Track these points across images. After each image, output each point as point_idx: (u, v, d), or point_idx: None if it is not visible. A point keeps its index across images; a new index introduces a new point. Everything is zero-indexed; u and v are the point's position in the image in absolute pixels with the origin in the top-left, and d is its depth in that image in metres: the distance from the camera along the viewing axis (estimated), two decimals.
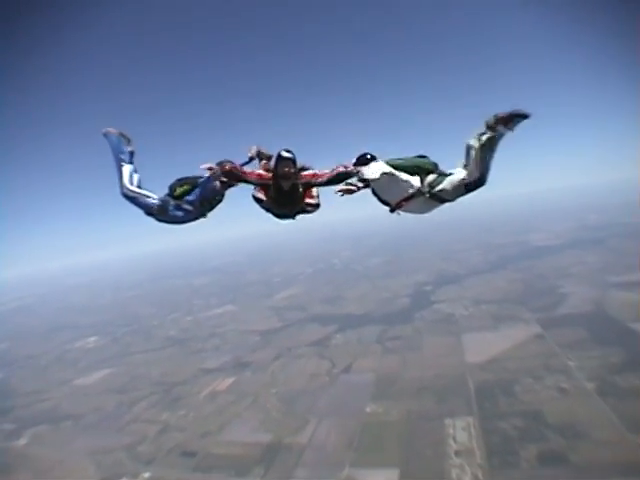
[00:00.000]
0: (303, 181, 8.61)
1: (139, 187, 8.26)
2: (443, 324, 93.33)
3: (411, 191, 7.72)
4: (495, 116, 6.76)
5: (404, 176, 7.66)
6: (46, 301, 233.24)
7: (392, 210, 8.07)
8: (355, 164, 7.95)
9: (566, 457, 44.88)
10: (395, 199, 7.97)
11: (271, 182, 8.60)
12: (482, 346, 75.93)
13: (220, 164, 8.16)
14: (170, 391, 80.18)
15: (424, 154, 8.09)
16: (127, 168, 8.21)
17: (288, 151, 8.47)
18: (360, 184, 7.81)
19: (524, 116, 6.58)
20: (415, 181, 7.75)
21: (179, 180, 8.36)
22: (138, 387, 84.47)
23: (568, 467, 43.46)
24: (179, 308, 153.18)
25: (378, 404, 62.78)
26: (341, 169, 8.28)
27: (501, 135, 6.86)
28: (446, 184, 7.54)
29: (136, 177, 8.35)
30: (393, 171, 7.56)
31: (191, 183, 8.26)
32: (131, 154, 8.52)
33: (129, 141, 8.56)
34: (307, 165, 8.86)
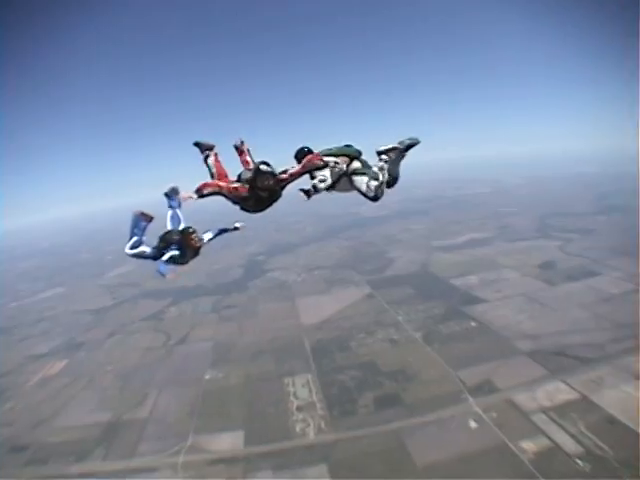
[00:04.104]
0: (282, 184, 9.16)
1: (135, 248, 9.97)
2: (277, 290, 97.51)
3: (339, 172, 9.58)
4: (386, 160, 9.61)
5: (336, 160, 9.55)
6: None
7: (328, 189, 9.69)
8: (295, 157, 9.72)
9: (399, 398, 50.91)
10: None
11: (248, 194, 9.04)
12: (316, 308, 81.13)
13: (197, 190, 8.89)
14: None
15: (350, 144, 10.02)
16: (134, 239, 9.93)
17: (266, 164, 8.92)
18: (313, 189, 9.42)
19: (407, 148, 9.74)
20: (343, 164, 9.62)
21: (161, 236, 9.84)
22: None
23: (402, 406, 49.32)
24: (2, 295, 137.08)
25: (217, 370, 63.82)
26: (313, 160, 9.19)
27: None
28: (358, 181, 9.59)
29: (141, 247, 10.06)
30: (335, 162, 9.50)
31: (167, 240, 9.76)
32: (144, 228, 10.21)
33: (151, 219, 10.19)
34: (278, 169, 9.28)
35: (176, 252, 9.39)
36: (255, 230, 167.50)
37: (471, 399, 48.27)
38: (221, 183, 9.19)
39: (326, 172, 9.40)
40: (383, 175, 9.39)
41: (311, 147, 9.84)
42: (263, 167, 8.88)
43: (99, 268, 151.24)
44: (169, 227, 10.04)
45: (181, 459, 46.07)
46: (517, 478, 37.04)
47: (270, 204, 9.49)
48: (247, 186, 9.10)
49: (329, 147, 9.82)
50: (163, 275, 9.07)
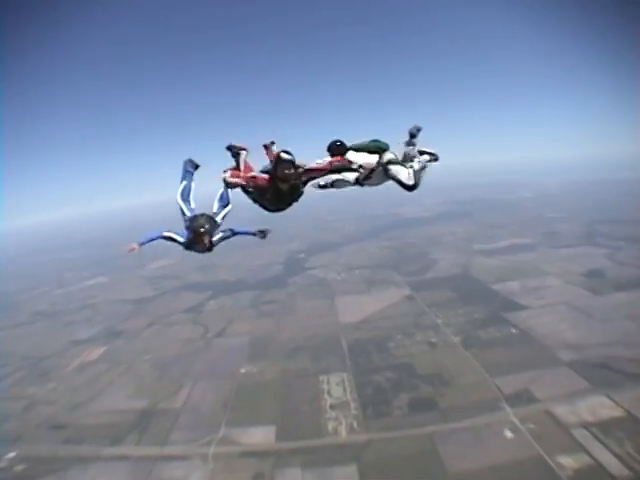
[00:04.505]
0: (304, 179, 8.67)
1: (185, 196, 10.02)
2: (316, 288, 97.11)
3: (373, 165, 9.42)
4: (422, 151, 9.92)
5: (370, 157, 9.47)
6: None
7: (360, 183, 9.58)
8: (328, 150, 9.24)
9: (435, 402, 49.55)
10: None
11: (268, 185, 8.54)
12: (355, 308, 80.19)
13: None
14: (37, 365, 74.92)
15: (377, 139, 9.80)
16: (183, 184, 10.10)
17: (287, 152, 8.40)
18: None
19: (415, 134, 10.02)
20: (374, 159, 9.52)
21: (191, 217, 9.52)
22: (2, 364, 77.36)
23: (437, 411, 47.98)
24: (48, 282, 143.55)
25: (253, 365, 63.87)
26: (335, 162, 8.87)
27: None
28: (395, 170, 9.36)
29: (188, 203, 10.00)
30: (368, 158, 9.40)
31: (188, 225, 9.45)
32: (191, 175, 10.43)
33: (196, 166, 10.46)
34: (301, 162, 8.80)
35: (180, 239, 9.02)
36: (296, 228, 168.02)
37: (508, 408, 46.35)
38: (241, 174, 8.88)
39: (358, 156, 9.27)
40: (420, 164, 9.49)
41: (343, 140, 9.41)
42: (284, 155, 8.35)
43: (141, 260, 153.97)
44: (215, 207, 9.82)
45: (212, 450, 46.22)
46: None
47: (291, 201, 8.98)
48: (267, 176, 8.61)
49: (360, 142, 9.61)
50: (132, 247, 8.75)
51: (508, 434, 42.48)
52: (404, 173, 9.29)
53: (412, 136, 9.90)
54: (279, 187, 8.49)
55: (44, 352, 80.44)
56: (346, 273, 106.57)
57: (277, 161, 8.34)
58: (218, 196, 9.83)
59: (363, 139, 9.77)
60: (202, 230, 8.74)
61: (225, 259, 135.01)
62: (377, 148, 9.53)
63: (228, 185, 9.08)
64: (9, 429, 55.72)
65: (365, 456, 42.47)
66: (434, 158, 9.97)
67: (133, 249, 8.62)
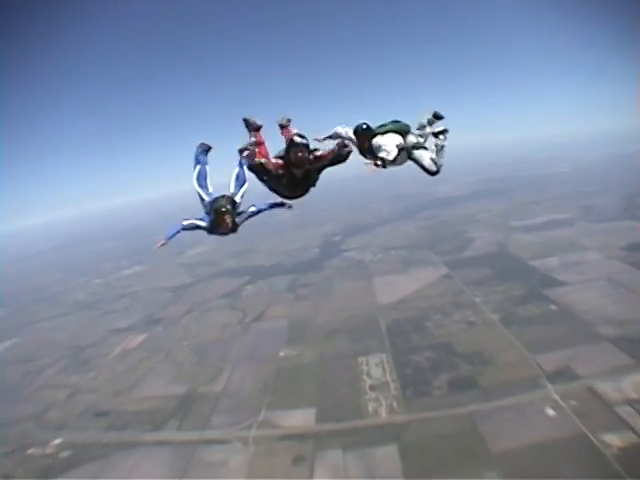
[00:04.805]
0: (316, 166, 8.45)
1: (201, 180, 9.59)
2: (353, 270, 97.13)
3: (399, 147, 8.99)
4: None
5: (396, 138, 9.07)
6: None
7: (383, 165, 8.84)
8: (355, 134, 8.92)
9: (475, 381, 49.02)
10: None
11: (283, 171, 8.35)
12: (392, 288, 79.84)
13: (248, 155, 8.60)
14: (79, 354, 77.39)
15: (398, 119, 9.50)
16: (197, 168, 9.70)
17: (301, 136, 8.21)
18: (381, 161, 8.40)
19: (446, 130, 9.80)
20: (400, 139, 9.19)
21: (211, 201, 9.01)
22: (45, 354, 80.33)
23: (477, 390, 47.49)
24: (87, 272, 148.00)
25: (291, 348, 64.41)
26: (336, 148, 8.53)
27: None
28: (419, 154, 9.27)
29: (206, 188, 9.52)
30: (398, 142, 8.95)
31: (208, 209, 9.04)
32: (204, 157, 10.01)
33: (209, 147, 10.02)
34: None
35: (203, 223, 8.69)
36: (330, 211, 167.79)
37: (549, 385, 45.31)
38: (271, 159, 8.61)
39: (389, 144, 8.80)
40: (438, 147, 9.53)
41: (369, 123, 9.10)
42: (297, 138, 8.15)
43: (178, 247, 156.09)
44: (232, 187, 9.35)
45: (252, 433, 46.75)
46: (599, 476, 33.70)
47: (305, 189, 8.82)
48: (281, 162, 8.44)
49: (382, 123, 9.35)
50: (161, 243, 8.52)
51: (550, 412, 41.57)
52: (427, 159, 9.22)
53: (438, 117, 9.82)
54: (293, 172, 8.34)
55: (85, 341, 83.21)
56: (382, 254, 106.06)
57: (290, 145, 8.17)
58: (234, 176, 9.44)
59: (383, 120, 9.54)
60: (223, 210, 8.40)
61: (261, 244, 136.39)
62: (400, 130, 9.31)
63: (249, 166, 8.71)
64: (54, 417, 57.70)
65: (405, 436, 42.29)
66: (446, 133, 9.81)
67: (163, 244, 8.54)
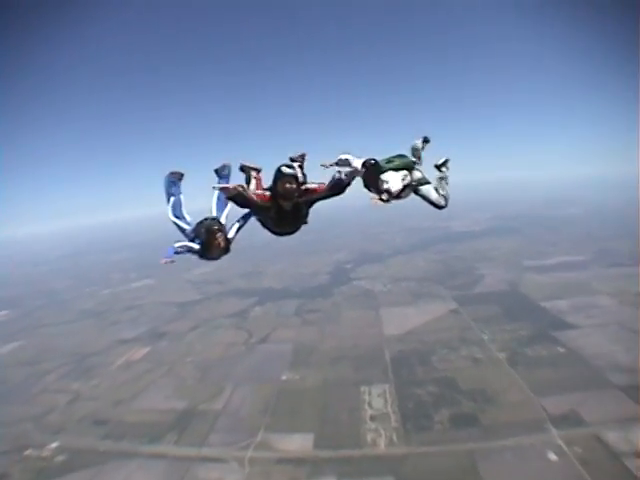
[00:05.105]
0: (306, 199, 7.99)
1: (177, 211, 9.35)
2: (362, 299, 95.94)
3: (405, 184, 8.80)
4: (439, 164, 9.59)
5: (402, 174, 8.84)
6: None
7: (387, 200, 8.67)
8: (363, 167, 8.44)
9: (477, 419, 47.65)
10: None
11: (269, 203, 7.87)
12: (400, 320, 78.58)
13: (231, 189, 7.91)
14: (82, 362, 77.16)
15: (403, 153, 9.35)
16: (172, 200, 9.36)
17: (289, 166, 7.75)
18: (387, 196, 8.22)
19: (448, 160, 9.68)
20: (407, 175, 9.00)
21: (197, 223, 8.69)
22: (49, 359, 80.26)
23: (478, 428, 46.11)
24: (97, 282, 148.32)
25: (295, 372, 63.42)
26: (335, 180, 8.11)
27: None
28: (426, 190, 9.15)
29: (183, 219, 9.27)
30: (403, 177, 8.77)
31: (197, 231, 8.65)
32: (177, 187, 9.63)
33: (180, 175, 9.60)
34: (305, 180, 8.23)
35: (196, 246, 8.26)
36: (344, 238, 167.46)
37: (554, 430, 43.76)
38: (257, 192, 8.12)
39: (395, 180, 8.51)
40: (446, 183, 9.42)
41: (377, 159, 8.65)
42: (285, 169, 7.62)
43: (187, 264, 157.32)
44: (214, 211, 9.03)
45: (249, 454, 45.95)
46: None
47: (295, 224, 8.30)
48: (268, 193, 7.90)
49: (387, 158, 9.06)
50: (166, 259, 8.09)
51: (552, 456, 40.05)
52: (434, 194, 9.19)
53: (426, 142, 9.56)
54: (281, 205, 7.81)
55: (89, 349, 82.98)
56: (392, 285, 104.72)
57: (277, 174, 7.65)
58: (214, 200, 9.15)
59: (387, 155, 9.27)
60: (215, 228, 8.04)
61: (271, 266, 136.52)
62: (406, 166, 9.10)
63: (227, 197, 8.25)
64: (53, 421, 57.51)
65: (403, 469, 41.15)
66: (448, 163, 9.71)
67: (167, 262, 8.15)
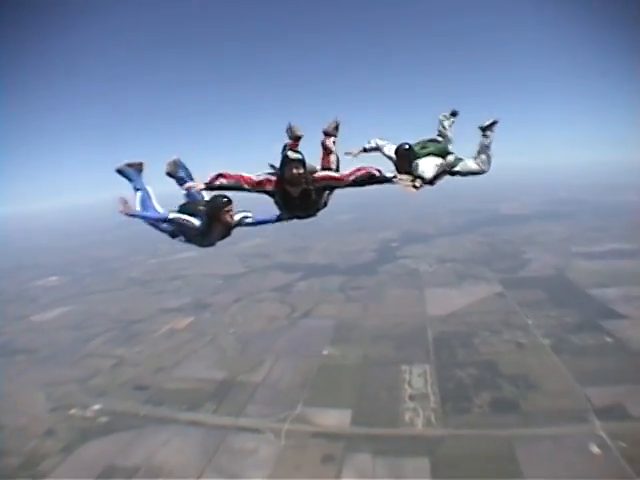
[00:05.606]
0: (318, 185, 7.48)
1: (145, 204, 8.90)
2: (407, 278, 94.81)
3: (439, 171, 8.50)
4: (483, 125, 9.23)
5: (436, 160, 8.53)
6: (11, 241, 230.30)
7: (420, 187, 8.35)
8: (395, 153, 8.23)
9: (517, 405, 46.46)
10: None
11: (274, 188, 7.46)
12: (444, 300, 77.42)
13: (209, 181, 7.48)
14: (127, 328, 79.67)
15: (434, 138, 9.20)
16: (138, 194, 8.89)
17: (296, 151, 7.32)
18: (420, 182, 7.85)
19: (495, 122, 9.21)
20: (441, 161, 8.69)
21: (180, 208, 8.55)
22: (95, 324, 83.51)
23: (519, 414, 44.98)
24: (144, 252, 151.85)
25: (336, 348, 63.52)
26: (366, 172, 7.33)
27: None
28: (462, 167, 8.94)
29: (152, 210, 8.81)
30: (438, 163, 8.44)
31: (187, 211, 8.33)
32: (139, 178, 9.13)
33: (140, 165, 9.19)
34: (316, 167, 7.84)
35: (195, 222, 7.86)
36: (392, 217, 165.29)
37: (597, 421, 42.02)
38: (244, 175, 7.51)
39: (429, 166, 8.17)
40: (489, 149, 9.14)
41: (411, 144, 8.33)
42: (292, 154, 7.16)
43: (233, 237, 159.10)
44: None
45: (286, 426, 46.22)
46: None
47: (306, 211, 7.88)
48: (274, 178, 7.45)
49: (419, 143, 8.80)
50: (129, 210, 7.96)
51: (594, 449, 38.45)
52: (472, 164, 9.01)
53: (454, 115, 9.49)
54: (288, 191, 7.40)
55: (135, 316, 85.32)
56: (438, 265, 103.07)
57: (283, 160, 7.22)
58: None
59: (418, 139, 8.99)
60: (226, 200, 7.61)
61: (317, 243, 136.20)
62: (441, 152, 8.71)
63: (212, 188, 7.67)
64: (97, 383, 59.54)
65: (439, 451, 40.57)
66: (496, 125, 9.25)
67: (123, 211, 7.95)
